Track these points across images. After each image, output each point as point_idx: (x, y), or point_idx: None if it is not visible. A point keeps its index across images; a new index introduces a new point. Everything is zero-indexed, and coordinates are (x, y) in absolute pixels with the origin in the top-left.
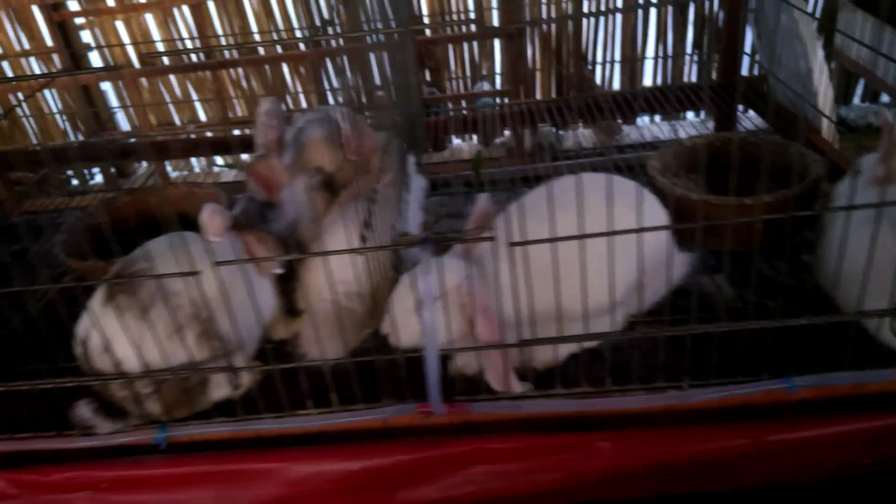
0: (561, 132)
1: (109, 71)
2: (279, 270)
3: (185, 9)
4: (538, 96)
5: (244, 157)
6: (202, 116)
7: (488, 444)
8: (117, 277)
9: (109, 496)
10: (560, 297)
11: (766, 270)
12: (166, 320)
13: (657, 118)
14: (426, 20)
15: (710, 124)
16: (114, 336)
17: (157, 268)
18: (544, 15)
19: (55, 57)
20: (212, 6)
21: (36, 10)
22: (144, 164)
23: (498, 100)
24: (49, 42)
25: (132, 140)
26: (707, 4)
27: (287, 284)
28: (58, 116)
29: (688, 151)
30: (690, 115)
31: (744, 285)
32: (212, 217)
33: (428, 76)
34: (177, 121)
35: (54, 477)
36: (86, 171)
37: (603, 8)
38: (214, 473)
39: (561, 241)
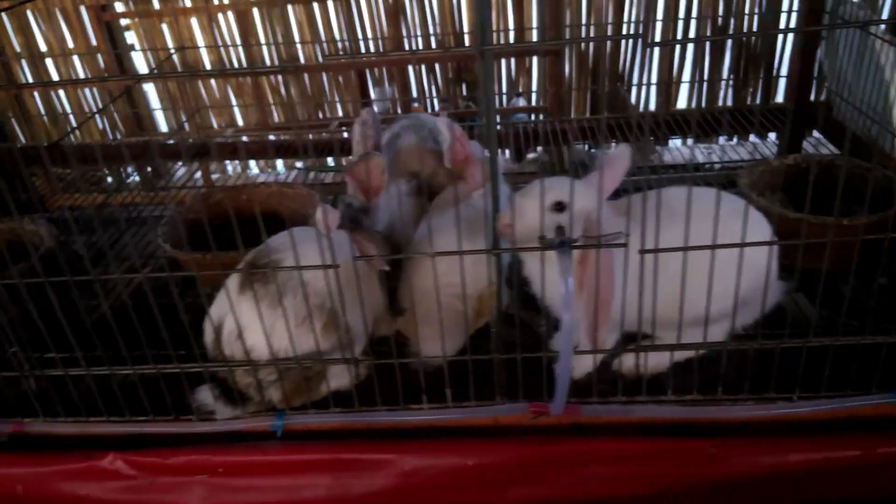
0: (594, 151)
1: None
2: (386, 268)
3: (231, 15)
4: (572, 114)
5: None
6: (240, 121)
7: (601, 446)
8: (255, 267)
9: (225, 480)
10: (680, 304)
11: (847, 291)
12: (297, 309)
13: (689, 141)
14: (466, 36)
15: (749, 147)
16: (249, 323)
17: (287, 259)
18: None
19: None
20: (256, 14)
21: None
22: (180, 165)
23: (532, 116)
24: (93, 42)
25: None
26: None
27: (389, 283)
28: (97, 116)
29: (773, 172)
30: (722, 139)
31: (827, 304)
32: (326, 215)
33: (465, 90)
34: (214, 124)
35: (172, 460)
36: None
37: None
38: (329, 462)
39: (693, 250)
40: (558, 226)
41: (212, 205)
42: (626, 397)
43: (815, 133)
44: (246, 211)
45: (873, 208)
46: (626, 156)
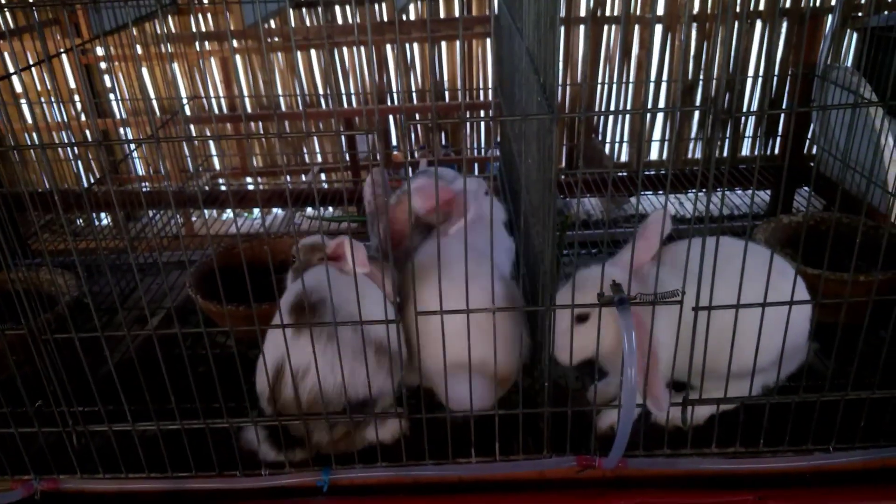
0: (568, 200)
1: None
2: (397, 300)
3: (213, 62)
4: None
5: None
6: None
7: (647, 499)
8: (302, 307)
9: None
10: (729, 360)
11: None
12: (352, 343)
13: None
14: (447, 93)
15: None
16: (310, 363)
17: (328, 296)
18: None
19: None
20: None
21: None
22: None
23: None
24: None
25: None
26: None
27: None
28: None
29: (784, 228)
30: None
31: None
32: (357, 251)
33: (444, 139)
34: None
35: None
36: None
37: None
38: None
39: (745, 307)
40: (614, 282)
41: (235, 254)
42: (671, 450)
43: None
44: (264, 261)
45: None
46: (665, 220)
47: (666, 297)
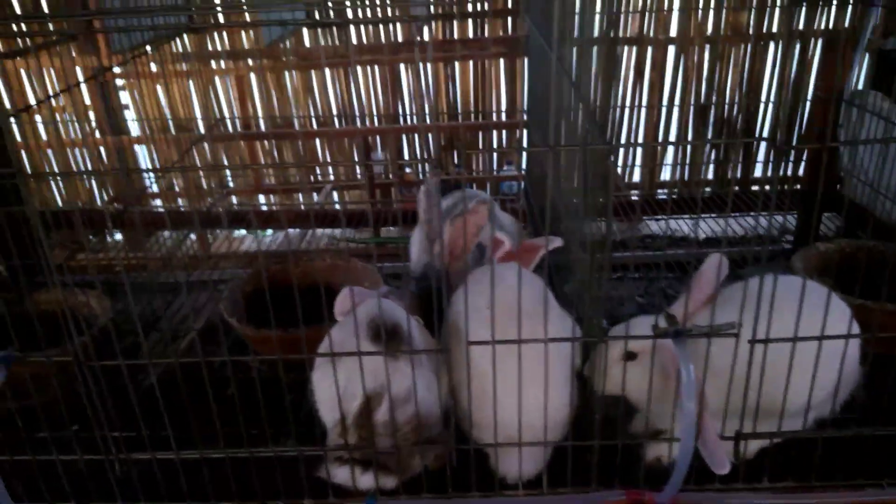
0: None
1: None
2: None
3: (229, 80)
4: None
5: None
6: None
7: None
8: (378, 332)
9: None
10: (784, 394)
11: None
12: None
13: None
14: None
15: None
16: (408, 389)
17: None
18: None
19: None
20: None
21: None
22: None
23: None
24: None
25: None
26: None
27: None
28: (84, 177)
29: (821, 256)
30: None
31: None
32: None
33: (456, 157)
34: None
35: None
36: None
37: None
38: None
39: (802, 341)
40: (669, 314)
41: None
42: (722, 484)
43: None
44: (299, 283)
45: None
46: (721, 265)
47: (722, 330)
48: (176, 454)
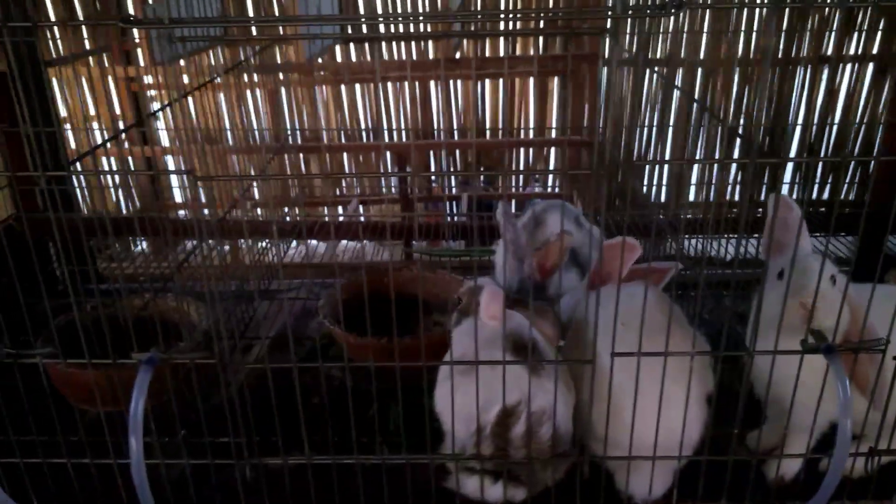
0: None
1: None
2: (561, 343)
3: (259, 93)
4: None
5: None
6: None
7: None
8: (518, 346)
9: None
10: None
11: None
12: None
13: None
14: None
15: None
16: (550, 401)
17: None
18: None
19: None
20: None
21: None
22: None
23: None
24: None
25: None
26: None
27: None
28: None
29: None
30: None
31: None
32: (489, 303)
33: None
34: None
35: None
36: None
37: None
38: None
39: None
40: (815, 330)
41: (355, 286)
42: (851, 501)
43: None
44: (385, 294)
45: None
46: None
47: (870, 345)
48: (308, 459)
